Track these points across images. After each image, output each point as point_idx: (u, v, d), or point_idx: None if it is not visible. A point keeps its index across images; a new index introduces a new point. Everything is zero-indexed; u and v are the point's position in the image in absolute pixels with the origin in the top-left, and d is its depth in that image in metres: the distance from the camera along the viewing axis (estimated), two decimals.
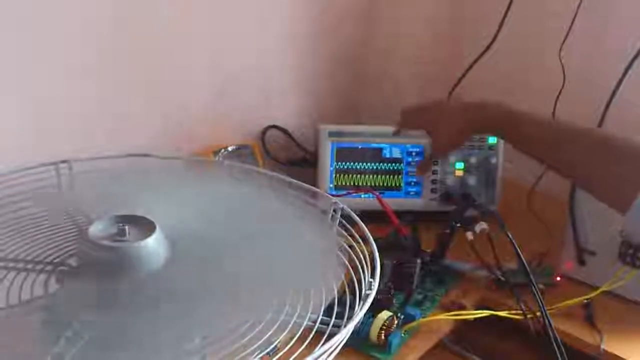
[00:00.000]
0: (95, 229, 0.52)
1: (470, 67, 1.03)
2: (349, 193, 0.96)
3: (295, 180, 0.68)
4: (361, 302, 0.52)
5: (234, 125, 0.96)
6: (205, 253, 0.55)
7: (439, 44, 1.13)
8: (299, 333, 0.49)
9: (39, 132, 0.78)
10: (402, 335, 0.74)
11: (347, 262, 0.56)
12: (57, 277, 0.53)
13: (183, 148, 0.89)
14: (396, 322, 0.74)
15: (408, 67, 1.15)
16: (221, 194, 0.62)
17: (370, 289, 0.52)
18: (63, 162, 0.68)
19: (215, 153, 0.89)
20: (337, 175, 0.97)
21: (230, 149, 0.90)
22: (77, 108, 0.80)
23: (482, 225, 0.85)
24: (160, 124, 0.87)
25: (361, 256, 0.56)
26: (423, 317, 0.77)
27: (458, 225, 0.84)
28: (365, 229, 0.60)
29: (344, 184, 0.98)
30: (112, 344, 0.47)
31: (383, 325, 0.72)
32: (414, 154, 0.99)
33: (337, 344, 0.47)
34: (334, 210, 0.64)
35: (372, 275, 0.54)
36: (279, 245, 0.57)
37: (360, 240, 0.59)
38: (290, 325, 0.50)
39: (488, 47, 1.01)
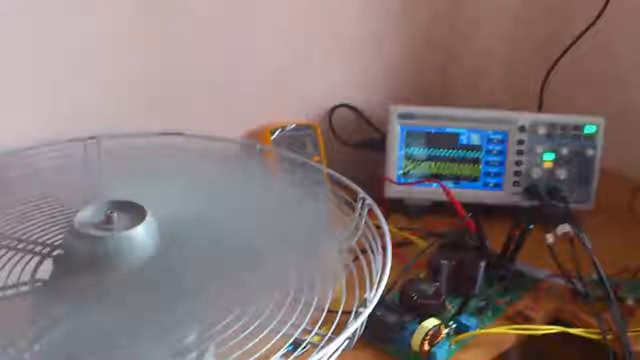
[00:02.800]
0: (83, 216, 0.48)
1: (567, 49, 0.91)
2: (417, 182, 0.87)
3: (330, 170, 0.62)
4: (352, 319, 0.44)
5: (297, 103, 0.90)
6: (202, 243, 0.50)
7: (533, 22, 1.01)
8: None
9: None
10: (451, 347, 0.66)
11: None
12: (51, 261, 0.51)
13: (240, 126, 0.84)
14: (445, 331, 0.65)
15: (494, 47, 1.04)
16: (238, 179, 0.57)
17: (364, 306, 0.44)
18: (91, 138, 0.66)
19: (272, 132, 0.83)
20: (406, 161, 0.89)
21: (288, 128, 0.84)
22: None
23: (564, 228, 0.75)
24: (217, 100, 0.83)
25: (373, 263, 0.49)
26: (480, 329, 0.68)
27: (532, 226, 0.74)
28: (386, 231, 0.52)
29: (416, 172, 0.89)
30: (86, 340, 0.43)
31: (427, 334, 0.64)
32: (495, 141, 0.88)
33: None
34: (362, 204, 0.57)
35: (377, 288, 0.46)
36: (285, 238, 0.51)
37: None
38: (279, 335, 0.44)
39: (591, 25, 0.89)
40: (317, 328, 0.44)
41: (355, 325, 0.42)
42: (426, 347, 0.64)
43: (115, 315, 0.44)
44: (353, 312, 0.45)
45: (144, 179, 0.54)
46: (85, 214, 0.48)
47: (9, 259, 0.51)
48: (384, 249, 0.51)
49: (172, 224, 0.51)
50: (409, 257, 0.79)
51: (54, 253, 0.51)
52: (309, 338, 0.43)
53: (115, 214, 0.47)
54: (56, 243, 0.52)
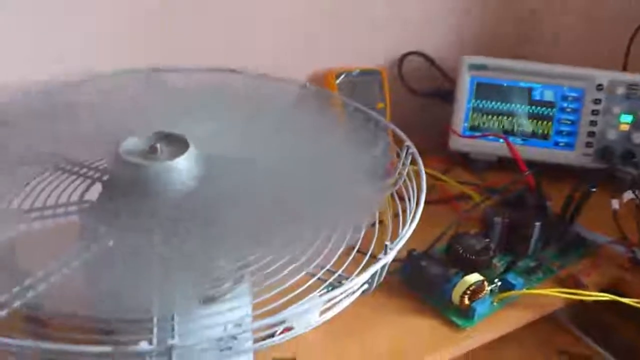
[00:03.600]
0: (127, 145, 0.50)
1: None
2: (483, 136, 0.85)
3: (373, 114, 0.61)
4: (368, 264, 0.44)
5: (366, 48, 0.89)
6: (244, 179, 0.51)
7: None
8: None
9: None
10: (493, 304, 0.65)
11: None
12: (100, 185, 0.53)
13: (304, 69, 0.84)
14: (488, 288, 0.64)
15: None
16: (286, 120, 0.57)
17: (384, 252, 0.44)
18: (154, 70, 0.68)
19: (337, 76, 0.83)
20: (474, 114, 0.87)
21: (354, 73, 0.84)
22: None
23: (632, 194, 0.72)
24: (282, 38, 0.83)
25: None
26: (527, 289, 0.67)
27: (594, 189, 0.71)
28: (423, 179, 0.51)
29: (481, 125, 0.87)
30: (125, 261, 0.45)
31: (468, 289, 0.63)
32: (570, 99, 0.84)
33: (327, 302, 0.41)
34: (406, 153, 0.56)
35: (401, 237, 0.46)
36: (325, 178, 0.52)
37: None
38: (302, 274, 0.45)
39: None
40: (340, 271, 0.45)
41: (371, 271, 0.42)
42: (466, 301, 0.63)
43: (151, 240, 0.46)
44: (367, 257, 0.45)
45: (194, 115, 0.55)
46: (131, 143, 0.50)
47: (63, 181, 0.54)
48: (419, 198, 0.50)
49: (217, 160, 0.52)
50: (467, 209, 0.78)
51: (103, 178, 0.53)
52: (330, 279, 0.44)
53: (159, 145, 0.49)
54: (105, 168, 0.55)
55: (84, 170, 0.55)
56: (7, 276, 0.44)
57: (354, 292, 0.42)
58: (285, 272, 0.43)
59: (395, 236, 0.47)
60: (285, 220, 0.47)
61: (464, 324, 0.63)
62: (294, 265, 0.43)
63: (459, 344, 0.62)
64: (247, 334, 0.49)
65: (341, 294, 0.42)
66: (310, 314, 0.47)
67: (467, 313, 0.63)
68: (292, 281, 0.43)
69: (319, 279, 0.45)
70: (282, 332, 0.45)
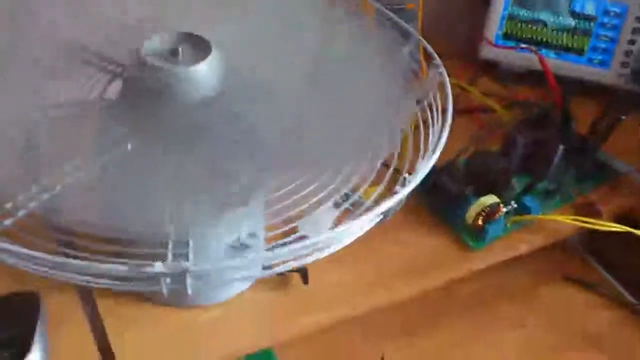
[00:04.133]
0: (149, 46, 0.48)
1: None
2: (515, 47, 0.81)
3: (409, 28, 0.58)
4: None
5: None
6: (265, 91, 0.49)
7: None
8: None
9: None
10: (507, 226, 0.65)
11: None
12: (121, 82, 0.52)
13: None
14: (503, 210, 0.64)
15: None
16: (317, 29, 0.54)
17: (402, 185, 0.43)
18: None
19: None
20: (509, 22, 0.82)
21: None
22: None
23: None
24: None
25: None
26: (543, 213, 0.66)
27: (624, 117, 0.68)
28: (449, 100, 0.49)
29: (514, 34, 0.83)
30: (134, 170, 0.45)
31: (483, 210, 0.63)
32: (611, 14, 0.80)
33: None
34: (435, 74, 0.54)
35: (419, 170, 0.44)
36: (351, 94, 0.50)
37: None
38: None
39: None
40: (360, 192, 0.44)
41: (388, 204, 0.42)
42: (480, 222, 0.63)
43: (167, 145, 0.45)
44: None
45: (221, 15, 0.52)
46: (153, 43, 0.48)
47: (82, 74, 0.52)
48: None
49: (242, 67, 0.50)
50: (489, 124, 0.76)
51: (124, 74, 0.51)
52: (347, 204, 0.43)
53: (181, 48, 0.47)
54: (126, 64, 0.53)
55: (105, 63, 0.53)
56: (24, 175, 0.43)
57: (370, 221, 0.41)
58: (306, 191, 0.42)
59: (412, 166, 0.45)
60: (309, 139, 0.46)
61: (475, 245, 0.63)
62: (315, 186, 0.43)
63: (465, 265, 0.62)
64: (261, 243, 0.49)
65: (353, 207, 0.42)
66: (323, 225, 0.47)
67: (479, 234, 0.63)
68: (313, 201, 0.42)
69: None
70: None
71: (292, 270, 0.49)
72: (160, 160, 0.44)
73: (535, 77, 0.81)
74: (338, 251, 0.43)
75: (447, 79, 0.53)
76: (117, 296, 0.52)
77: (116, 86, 0.51)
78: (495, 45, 0.83)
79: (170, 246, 0.39)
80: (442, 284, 0.61)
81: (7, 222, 0.40)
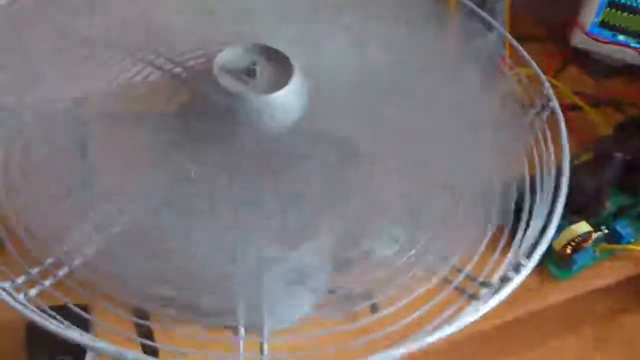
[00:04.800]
0: (222, 59, 0.41)
1: None
2: (611, 41, 0.73)
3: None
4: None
5: None
6: (359, 112, 0.43)
7: None
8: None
9: None
10: (596, 253, 0.59)
11: None
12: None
13: None
14: (594, 236, 0.58)
15: None
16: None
17: (516, 271, 0.37)
18: None
19: None
20: (609, 9, 0.73)
21: None
22: None
23: None
24: None
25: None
26: (635, 241, 0.60)
27: None
28: (566, 158, 0.42)
29: (614, 23, 0.74)
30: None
31: (573, 239, 0.57)
32: None
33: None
34: (544, 105, 0.47)
35: (532, 251, 0.38)
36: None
37: None
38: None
39: None
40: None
41: (499, 297, 0.36)
42: (568, 250, 0.57)
43: (234, 178, 0.39)
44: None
45: (298, 15, 0.46)
46: (227, 56, 0.41)
47: (145, 76, 0.47)
48: (557, 188, 0.41)
49: (325, 81, 0.44)
50: (580, 126, 0.69)
51: (191, 82, 0.45)
52: (456, 282, 0.37)
53: (259, 67, 0.41)
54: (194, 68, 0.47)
55: (170, 66, 0.47)
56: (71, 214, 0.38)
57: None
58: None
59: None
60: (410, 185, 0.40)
61: (561, 275, 0.58)
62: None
63: (549, 296, 0.57)
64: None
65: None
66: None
67: (566, 263, 0.57)
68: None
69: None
70: None
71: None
72: (227, 198, 0.38)
73: (632, 71, 0.73)
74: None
75: (562, 122, 0.45)
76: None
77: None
78: (588, 34, 0.74)
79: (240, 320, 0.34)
80: (524, 316, 0.56)
81: (47, 282, 0.35)
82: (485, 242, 0.38)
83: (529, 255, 0.38)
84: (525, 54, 0.52)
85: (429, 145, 0.42)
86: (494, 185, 0.40)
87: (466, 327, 0.52)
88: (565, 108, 0.71)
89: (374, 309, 0.43)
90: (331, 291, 0.41)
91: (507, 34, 0.53)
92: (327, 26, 0.46)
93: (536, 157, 0.43)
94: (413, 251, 0.38)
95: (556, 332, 0.61)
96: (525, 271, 0.37)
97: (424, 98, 0.45)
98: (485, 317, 0.53)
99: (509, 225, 0.40)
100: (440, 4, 0.53)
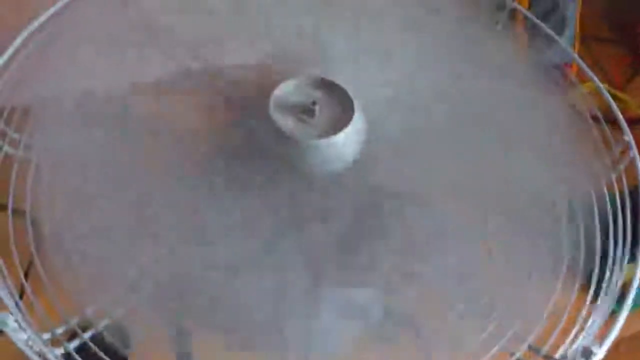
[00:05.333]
0: (281, 92, 0.39)
1: None
2: None
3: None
4: None
5: None
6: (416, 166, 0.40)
7: None
8: None
9: None
10: None
11: None
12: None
13: None
14: None
15: None
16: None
17: (585, 357, 0.34)
18: None
19: None
20: None
21: None
22: None
23: None
24: None
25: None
26: None
27: None
28: None
29: None
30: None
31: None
32: None
33: None
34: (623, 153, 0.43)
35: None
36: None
37: None
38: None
39: None
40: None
41: None
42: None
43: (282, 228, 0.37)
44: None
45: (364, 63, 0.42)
46: (286, 90, 0.39)
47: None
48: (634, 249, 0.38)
49: (380, 109, 0.41)
50: None
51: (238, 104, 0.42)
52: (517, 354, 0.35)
53: (318, 106, 0.38)
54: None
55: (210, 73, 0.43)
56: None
57: None
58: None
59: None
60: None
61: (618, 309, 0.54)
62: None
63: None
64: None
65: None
66: None
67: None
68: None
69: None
70: None
71: None
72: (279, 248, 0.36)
73: None
74: None
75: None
76: None
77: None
78: None
79: None
80: None
81: (87, 335, 0.33)
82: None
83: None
84: (596, 79, 0.48)
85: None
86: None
87: None
88: (633, 122, 0.68)
89: None
90: None
91: (580, 60, 0.48)
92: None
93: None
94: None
95: None
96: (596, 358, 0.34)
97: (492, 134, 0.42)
98: None
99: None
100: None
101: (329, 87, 0.39)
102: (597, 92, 0.47)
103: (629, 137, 0.43)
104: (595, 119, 0.45)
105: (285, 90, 0.39)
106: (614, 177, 0.43)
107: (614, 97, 0.66)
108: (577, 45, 0.60)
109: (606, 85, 0.57)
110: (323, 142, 0.37)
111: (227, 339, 0.34)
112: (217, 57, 0.43)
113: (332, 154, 0.38)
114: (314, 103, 0.38)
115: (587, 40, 0.69)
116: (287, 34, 0.43)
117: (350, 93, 0.39)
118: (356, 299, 0.38)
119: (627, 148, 0.42)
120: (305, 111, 0.38)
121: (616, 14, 0.73)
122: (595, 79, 0.47)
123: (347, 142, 0.38)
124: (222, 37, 0.43)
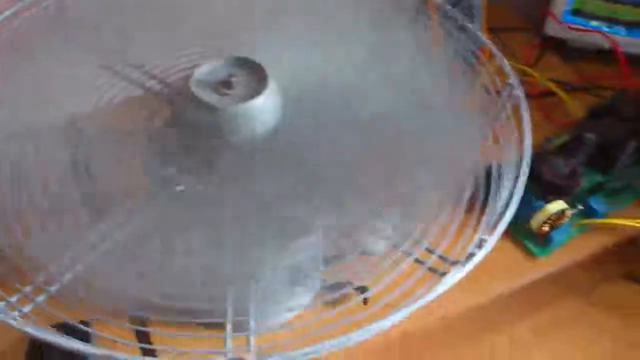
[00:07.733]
0: (201, 73, 0.46)
1: None
2: (583, 28, 0.76)
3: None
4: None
5: None
6: (337, 118, 0.46)
7: None
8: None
9: None
10: (572, 229, 0.62)
11: None
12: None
13: None
14: (569, 214, 0.61)
15: None
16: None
17: (479, 246, 0.40)
18: None
19: None
20: None
21: None
22: None
23: None
24: None
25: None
26: (610, 214, 0.63)
27: None
28: (527, 146, 0.45)
29: (586, 11, 0.77)
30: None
31: (549, 218, 0.60)
32: None
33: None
34: (509, 94, 0.50)
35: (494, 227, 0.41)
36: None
37: None
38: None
39: None
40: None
41: (464, 272, 0.39)
42: (546, 228, 0.60)
43: (218, 188, 0.43)
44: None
45: (270, 25, 0.49)
46: (204, 71, 0.46)
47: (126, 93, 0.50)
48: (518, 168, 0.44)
49: (298, 87, 0.47)
50: (554, 112, 0.72)
51: (174, 100, 0.49)
52: (428, 263, 0.41)
53: (234, 79, 0.45)
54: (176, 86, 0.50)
55: (153, 82, 0.51)
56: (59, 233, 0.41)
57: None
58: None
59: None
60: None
61: (539, 252, 0.61)
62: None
63: (529, 274, 0.60)
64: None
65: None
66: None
67: (543, 241, 0.61)
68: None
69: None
70: None
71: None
72: (212, 208, 0.42)
73: (606, 56, 0.76)
74: None
75: (525, 108, 0.48)
76: None
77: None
78: (562, 23, 0.78)
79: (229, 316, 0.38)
80: (507, 292, 0.59)
81: (40, 298, 0.37)
82: (455, 224, 0.42)
83: (491, 231, 0.41)
84: (494, 48, 0.56)
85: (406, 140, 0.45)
86: (465, 170, 0.44)
87: (457, 306, 0.56)
88: (542, 95, 0.75)
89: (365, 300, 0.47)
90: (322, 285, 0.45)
91: (479, 33, 0.55)
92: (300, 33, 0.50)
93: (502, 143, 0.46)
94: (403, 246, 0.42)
95: (540, 307, 0.65)
96: (488, 245, 0.40)
97: (398, 94, 0.49)
98: (471, 295, 0.57)
99: (478, 208, 0.44)
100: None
101: (245, 63, 0.46)
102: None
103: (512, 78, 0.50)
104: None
105: (204, 71, 0.46)
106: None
107: (524, 72, 0.74)
108: (485, 35, 0.66)
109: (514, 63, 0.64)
110: (240, 107, 0.44)
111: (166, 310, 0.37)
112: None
113: (250, 120, 0.44)
114: (230, 76, 0.45)
115: (497, 30, 0.76)
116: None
117: (266, 68, 0.46)
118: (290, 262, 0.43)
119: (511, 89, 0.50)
120: (223, 84, 0.45)
121: (523, 5, 0.82)
122: (502, 57, 0.54)
123: (264, 108, 0.45)
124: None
